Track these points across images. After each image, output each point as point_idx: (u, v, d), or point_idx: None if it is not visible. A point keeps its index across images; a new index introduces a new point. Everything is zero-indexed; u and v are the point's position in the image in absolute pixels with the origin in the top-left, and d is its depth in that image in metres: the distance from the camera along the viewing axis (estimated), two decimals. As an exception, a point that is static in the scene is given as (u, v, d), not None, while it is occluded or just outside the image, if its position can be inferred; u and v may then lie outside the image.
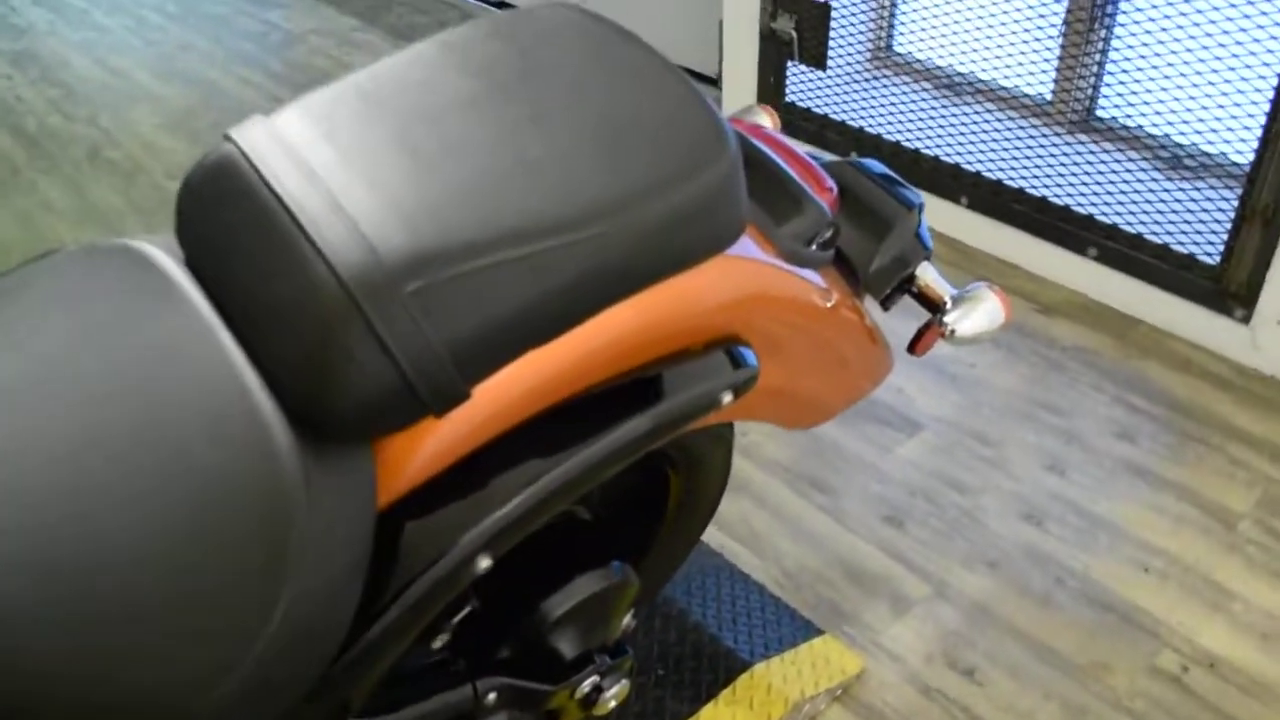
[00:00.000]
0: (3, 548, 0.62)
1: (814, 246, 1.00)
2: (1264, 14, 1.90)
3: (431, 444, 0.80)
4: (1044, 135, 2.33)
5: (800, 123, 2.64)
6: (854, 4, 2.50)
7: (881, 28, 2.59)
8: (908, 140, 2.46)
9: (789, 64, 2.60)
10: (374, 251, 0.68)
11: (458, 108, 0.78)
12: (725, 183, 0.78)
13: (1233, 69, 1.97)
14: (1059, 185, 2.24)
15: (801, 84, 2.63)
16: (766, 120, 1.18)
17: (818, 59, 2.53)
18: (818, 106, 2.61)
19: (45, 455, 0.67)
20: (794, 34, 2.53)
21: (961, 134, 2.39)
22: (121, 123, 3.04)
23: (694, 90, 0.82)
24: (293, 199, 0.71)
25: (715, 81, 2.88)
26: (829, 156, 1.13)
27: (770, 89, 2.68)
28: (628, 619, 1.16)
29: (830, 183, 1.07)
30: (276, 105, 0.78)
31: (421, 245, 0.70)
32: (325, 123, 0.76)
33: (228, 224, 0.74)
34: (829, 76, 2.56)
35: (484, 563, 0.84)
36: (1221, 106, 2.02)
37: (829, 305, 1.04)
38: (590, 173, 0.75)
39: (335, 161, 0.73)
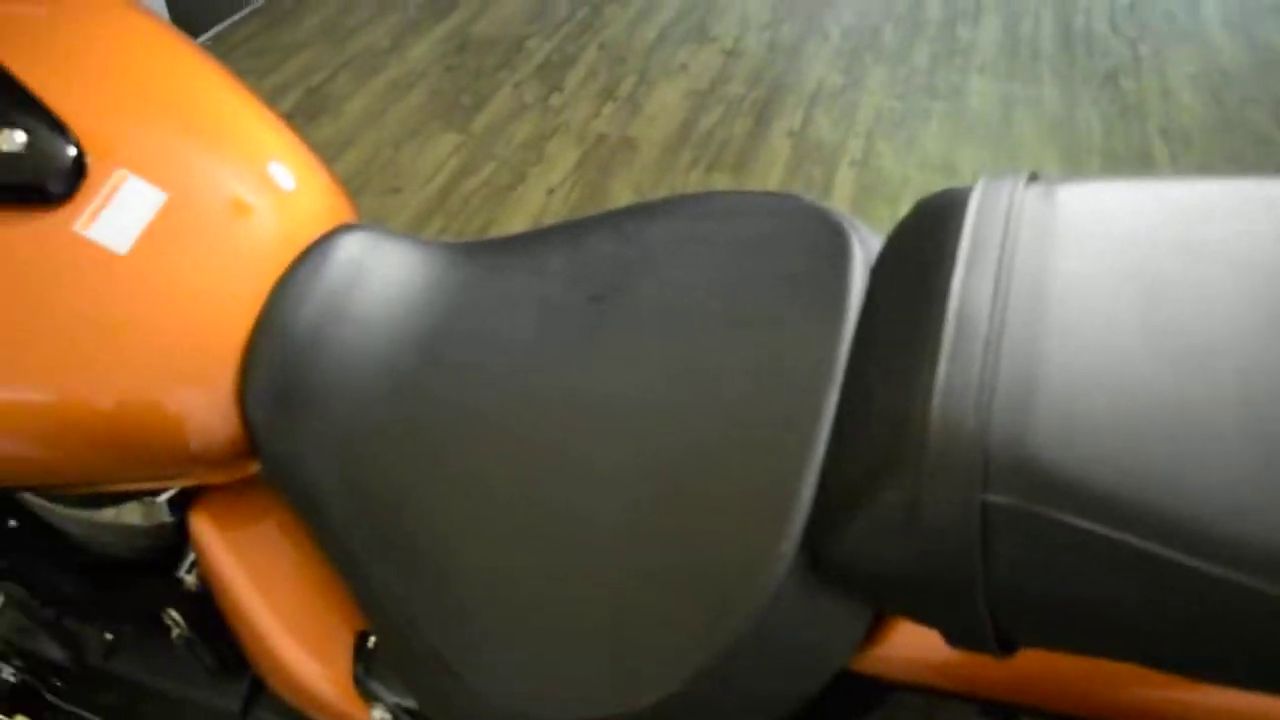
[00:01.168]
0: None
1: None
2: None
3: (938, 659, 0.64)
4: None
5: None
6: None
7: None
8: None
9: None
10: (985, 423, 0.54)
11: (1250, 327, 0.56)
12: None
13: None
14: None
15: None
16: None
17: None
18: None
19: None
20: None
21: None
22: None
23: None
24: (961, 295, 0.60)
25: None
26: None
27: None
28: None
29: None
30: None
31: (1043, 461, 0.52)
32: (1099, 241, 0.61)
33: (906, 263, 0.67)
34: None
35: None
36: None
37: None
38: None
39: (1052, 288, 0.59)
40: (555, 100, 2.92)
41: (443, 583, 0.69)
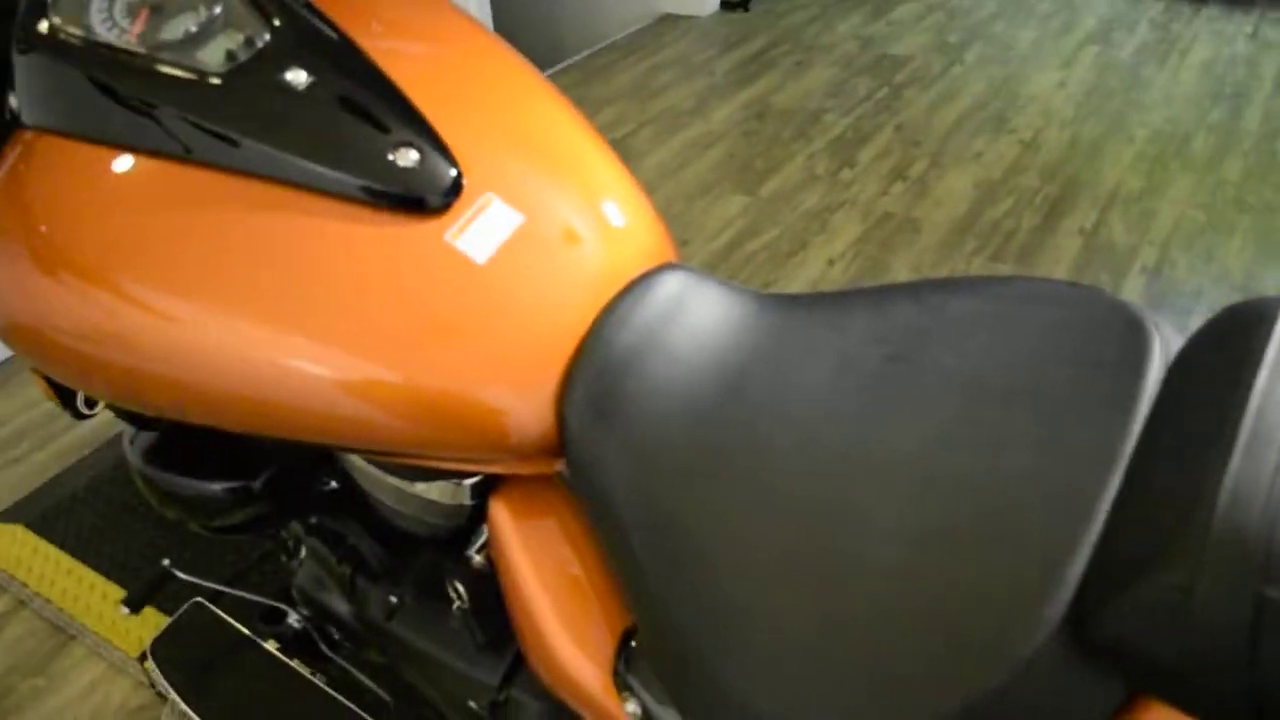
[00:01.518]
0: None
1: None
2: None
3: None
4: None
5: None
6: None
7: None
8: None
9: None
10: (1272, 521, 0.56)
11: None
12: None
13: None
14: None
15: None
16: None
17: None
18: None
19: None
20: None
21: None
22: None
23: None
24: (1264, 396, 0.62)
25: None
26: None
27: None
28: None
29: None
30: None
31: None
32: None
33: (1208, 362, 0.69)
34: None
35: None
36: None
37: None
38: None
39: None
40: (845, 175, 2.98)
41: (716, 594, 0.76)
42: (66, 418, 2.01)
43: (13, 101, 0.97)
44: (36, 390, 2.09)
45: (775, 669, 0.72)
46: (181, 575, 1.32)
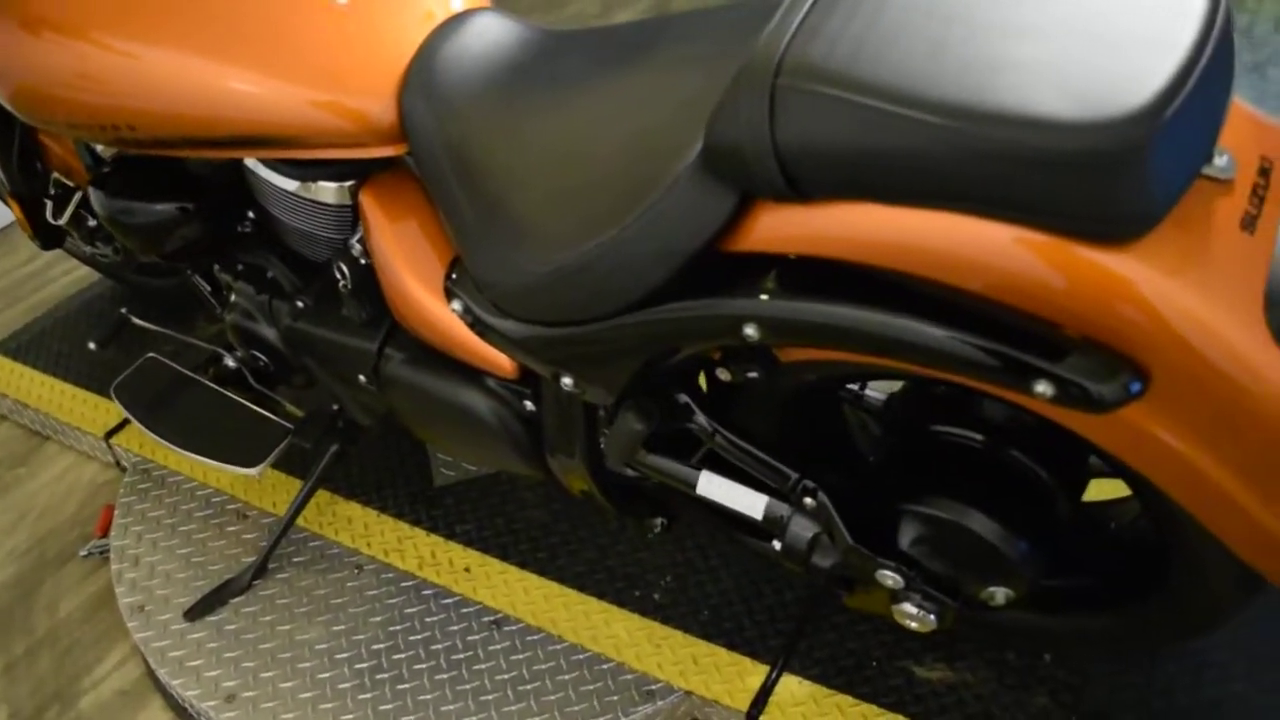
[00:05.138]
0: None
1: None
2: None
3: (773, 226, 0.96)
4: None
5: None
6: None
7: None
8: None
9: None
10: (788, 46, 0.90)
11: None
12: (1114, 156, 0.78)
13: None
14: None
15: None
16: None
17: None
18: None
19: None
20: None
21: None
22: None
23: (1184, 57, 0.80)
24: None
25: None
26: None
27: None
28: (997, 595, 1.17)
29: None
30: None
31: (817, 57, 0.88)
32: None
33: None
34: None
35: (750, 330, 0.99)
36: None
37: None
38: (1018, 87, 0.82)
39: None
40: None
41: (498, 205, 1.13)
42: (33, 283, 2.35)
43: None
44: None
45: (531, 230, 1.10)
46: (137, 320, 1.67)
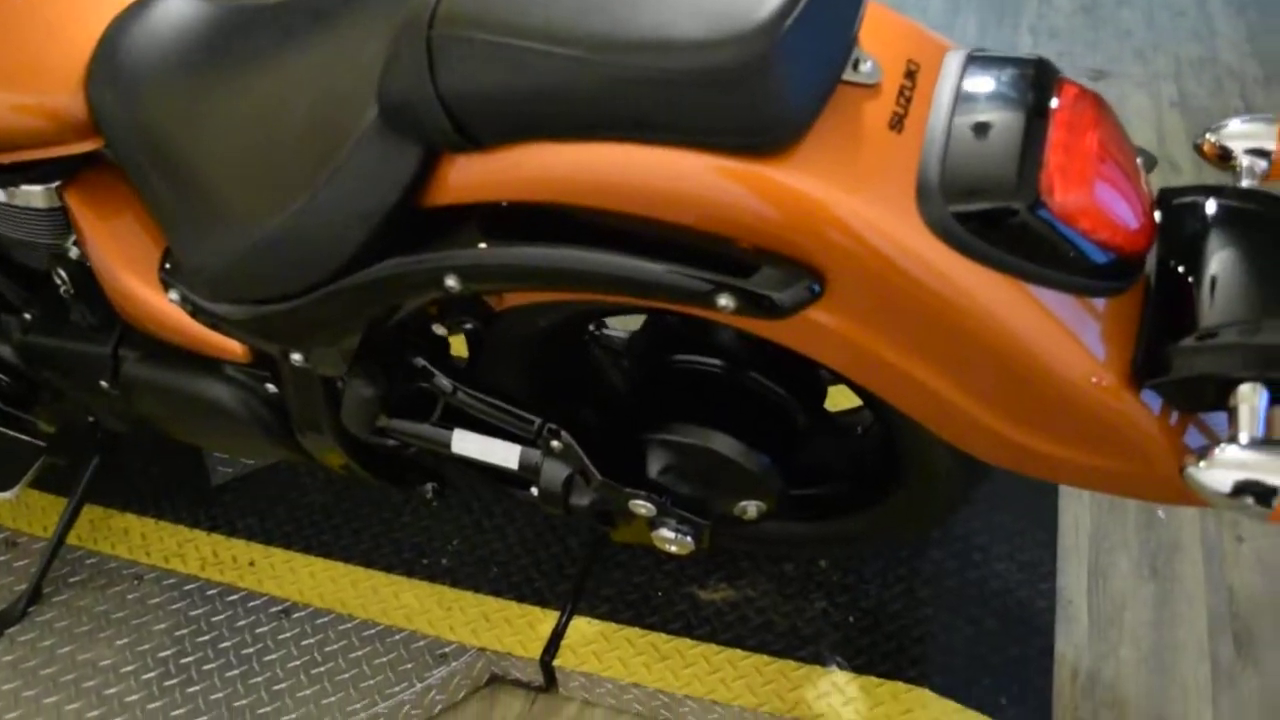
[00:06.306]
0: None
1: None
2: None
3: (459, 176, 0.99)
4: None
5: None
6: None
7: None
8: None
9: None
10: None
11: None
12: (739, 69, 0.84)
13: None
14: None
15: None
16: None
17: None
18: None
19: None
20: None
21: None
22: None
23: None
24: None
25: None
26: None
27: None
28: (749, 509, 1.24)
29: (1149, 197, 0.97)
30: None
31: (468, 5, 0.91)
32: None
33: None
34: None
35: (451, 281, 1.01)
36: None
37: (1005, 320, 0.90)
38: (655, 15, 0.86)
39: None
40: None
41: (194, 192, 1.11)
42: None
43: None
44: None
45: (227, 210, 1.09)
46: None
